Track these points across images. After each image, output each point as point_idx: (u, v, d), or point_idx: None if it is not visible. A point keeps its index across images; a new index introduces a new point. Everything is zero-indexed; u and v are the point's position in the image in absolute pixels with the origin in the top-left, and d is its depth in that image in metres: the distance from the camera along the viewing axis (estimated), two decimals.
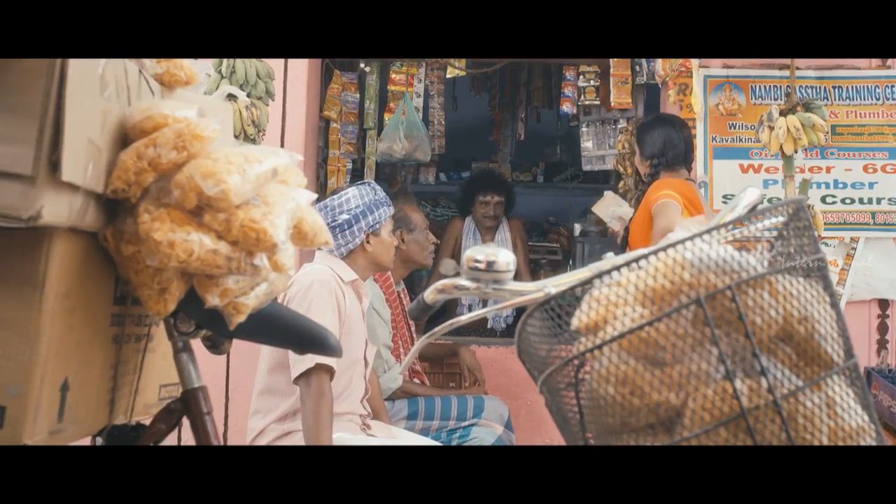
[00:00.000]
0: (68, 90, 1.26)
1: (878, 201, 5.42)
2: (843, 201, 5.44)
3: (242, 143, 4.20)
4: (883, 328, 5.37)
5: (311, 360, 3.14)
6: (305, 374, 3.18)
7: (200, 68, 1.83)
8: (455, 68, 6.06)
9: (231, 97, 4.03)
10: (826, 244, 5.33)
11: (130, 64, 1.58)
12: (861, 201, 5.44)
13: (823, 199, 5.41)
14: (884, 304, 5.38)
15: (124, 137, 1.49)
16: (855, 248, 5.39)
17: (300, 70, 5.56)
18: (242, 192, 1.42)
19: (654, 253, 1.34)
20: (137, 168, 1.42)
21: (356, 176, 6.25)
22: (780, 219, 1.43)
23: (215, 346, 1.82)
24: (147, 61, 1.68)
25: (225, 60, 4.59)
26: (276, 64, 5.12)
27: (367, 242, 3.60)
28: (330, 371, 3.22)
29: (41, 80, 1.25)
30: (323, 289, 3.36)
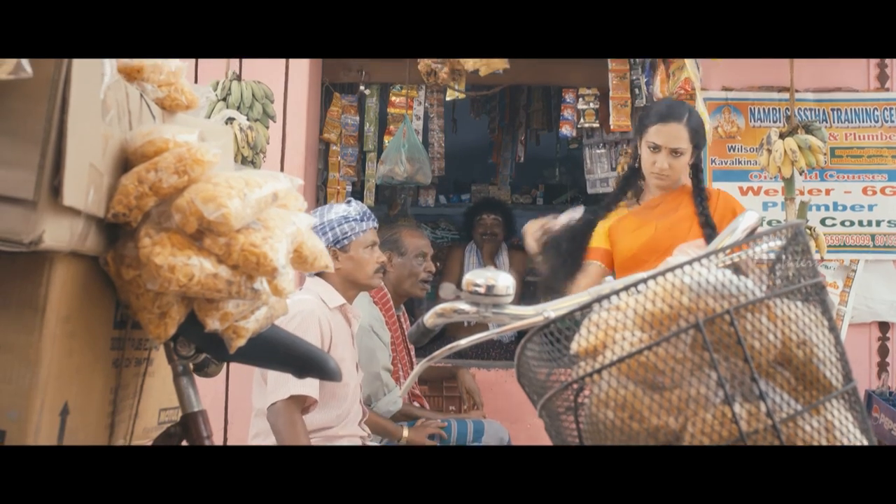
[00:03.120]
0: (70, 115, 1.27)
1: (878, 223, 5.43)
2: (842, 223, 5.45)
3: (241, 166, 4.22)
4: (883, 351, 5.37)
5: (285, 391, 3.16)
6: (276, 404, 3.20)
7: (201, 93, 1.84)
8: (455, 91, 6.09)
9: (230, 120, 4.05)
10: (826, 266, 5.34)
11: (132, 88, 1.59)
12: (861, 223, 5.45)
13: (823, 222, 5.42)
14: (884, 326, 5.39)
15: (125, 162, 1.49)
16: (855, 271, 5.39)
17: (300, 92, 5.58)
18: (243, 217, 1.43)
19: (653, 277, 1.35)
20: (138, 192, 1.43)
21: (355, 198, 6.29)
22: (779, 243, 1.43)
23: (201, 368, 1.81)
24: (148, 85, 1.69)
25: (220, 83, 4.61)
26: (275, 86, 5.14)
27: (336, 259, 3.59)
28: (303, 401, 3.23)
29: (43, 105, 1.25)
30: (305, 320, 3.36)
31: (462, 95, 6.29)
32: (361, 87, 6.50)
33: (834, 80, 5.59)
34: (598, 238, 3.79)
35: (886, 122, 5.50)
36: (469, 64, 5.46)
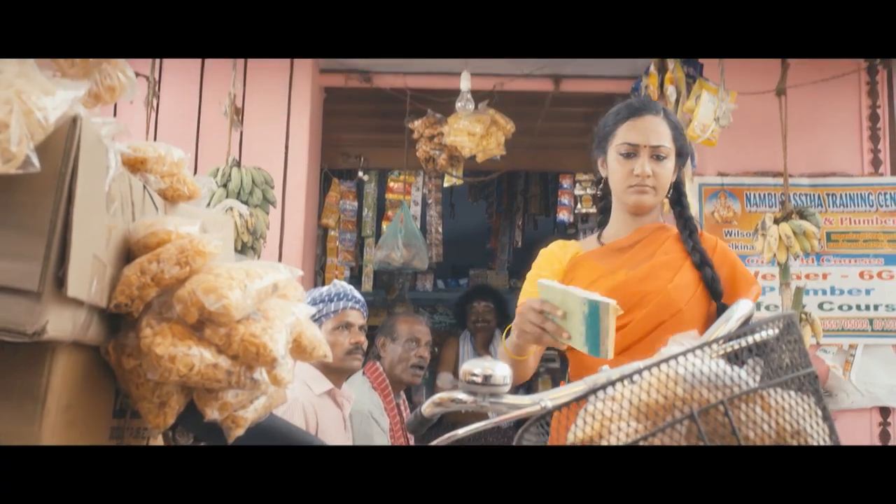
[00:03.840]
0: (76, 208, 1.29)
1: (876, 307, 5.44)
2: (840, 308, 5.47)
3: (242, 255, 4.25)
4: (885, 436, 5.34)
5: None
6: None
7: (202, 183, 1.87)
8: (452, 177, 6.16)
9: (229, 209, 4.09)
10: (825, 351, 5.34)
11: (135, 180, 1.61)
12: (858, 308, 5.46)
13: (820, 306, 5.44)
14: (885, 411, 5.37)
15: (128, 252, 1.51)
16: (853, 355, 5.39)
17: (299, 178, 5.65)
18: (243, 308, 1.44)
19: (648, 368, 1.36)
20: (140, 283, 1.44)
21: (353, 283, 6.31)
22: (773, 333, 1.45)
23: None
24: (151, 176, 1.72)
25: (220, 169, 4.67)
26: (275, 172, 5.21)
27: None
28: None
29: (50, 198, 1.27)
30: (289, 409, 3.35)
31: (460, 181, 6.36)
32: (360, 173, 6.57)
33: (828, 166, 5.66)
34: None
35: (881, 206, 5.55)
36: (466, 150, 5.53)
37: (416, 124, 5.77)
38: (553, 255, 2.81)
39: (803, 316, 4.72)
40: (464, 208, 7.79)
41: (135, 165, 1.68)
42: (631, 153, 2.66)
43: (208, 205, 4.38)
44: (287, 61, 5.79)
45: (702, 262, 2.63)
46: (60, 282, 1.28)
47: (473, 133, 5.43)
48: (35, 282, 1.26)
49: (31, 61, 1.30)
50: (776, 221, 4.73)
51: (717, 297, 2.61)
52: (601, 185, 2.87)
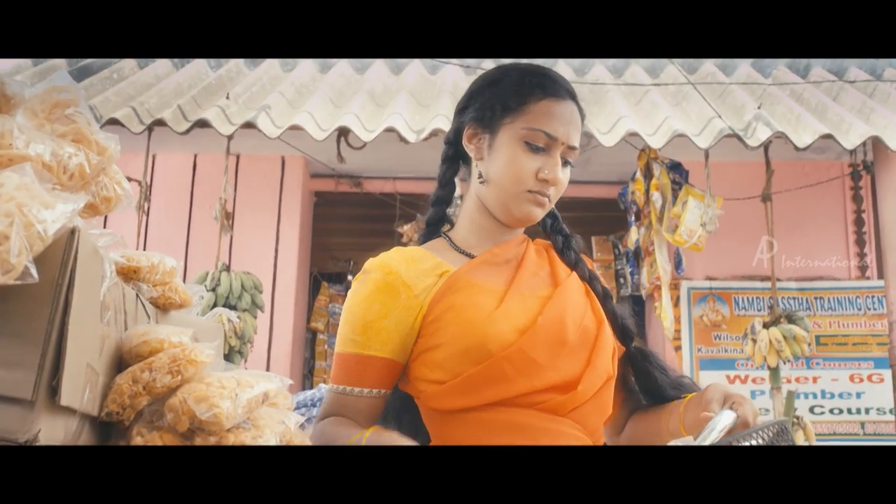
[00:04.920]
0: (71, 317, 1.31)
1: (867, 411, 5.45)
2: (831, 411, 5.47)
3: (231, 365, 4.25)
4: None
5: None
6: None
7: (194, 291, 1.90)
8: None
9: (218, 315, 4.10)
10: None
11: (128, 289, 1.63)
12: (849, 411, 5.46)
13: (812, 410, 5.44)
14: None
15: (120, 361, 1.53)
16: None
17: (288, 282, 5.68)
18: (234, 417, 1.45)
19: None
20: (132, 392, 1.45)
21: None
22: (763, 441, 1.46)
23: None
24: (144, 285, 1.74)
25: (210, 273, 4.70)
26: (264, 276, 5.24)
27: None
28: None
29: (46, 307, 1.29)
30: None
31: None
32: (349, 277, 6.60)
33: (815, 269, 5.71)
34: (376, 330, 1.93)
35: (869, 309, 5.59)
36: None
37: (405, 228, 5.82)
38: (391, 288, 1.98)
39: (795, 420, 4.71)
40: None
41: (128, 274, 1.70)
42: (540, 147, 1.86)
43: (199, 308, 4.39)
44: (278, 165, 5.86)
45: (604, 296, 2.02)
46: (54, 390, 1.29)
47: None
48: (29, 390, 1.26)
49: (31, 174, 1.33)
50: (766, 326, 4.75)
51: (629, 339, 2.01)
52: (451, 172, 2.12)
